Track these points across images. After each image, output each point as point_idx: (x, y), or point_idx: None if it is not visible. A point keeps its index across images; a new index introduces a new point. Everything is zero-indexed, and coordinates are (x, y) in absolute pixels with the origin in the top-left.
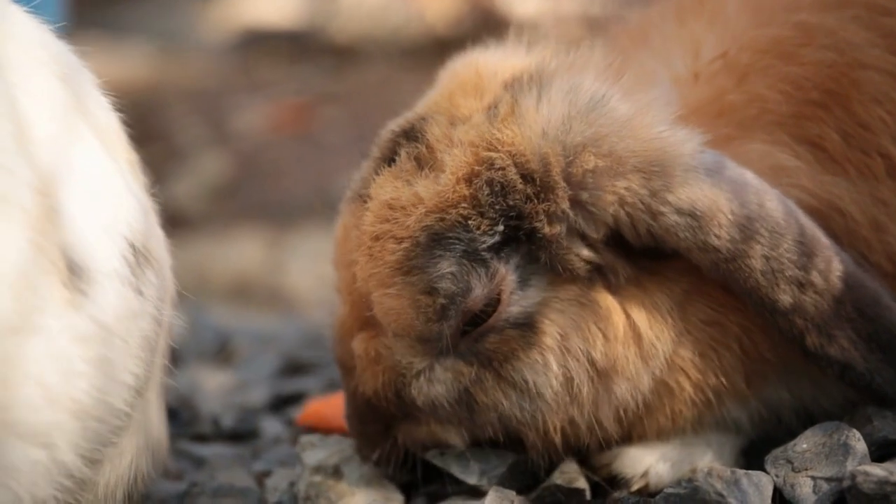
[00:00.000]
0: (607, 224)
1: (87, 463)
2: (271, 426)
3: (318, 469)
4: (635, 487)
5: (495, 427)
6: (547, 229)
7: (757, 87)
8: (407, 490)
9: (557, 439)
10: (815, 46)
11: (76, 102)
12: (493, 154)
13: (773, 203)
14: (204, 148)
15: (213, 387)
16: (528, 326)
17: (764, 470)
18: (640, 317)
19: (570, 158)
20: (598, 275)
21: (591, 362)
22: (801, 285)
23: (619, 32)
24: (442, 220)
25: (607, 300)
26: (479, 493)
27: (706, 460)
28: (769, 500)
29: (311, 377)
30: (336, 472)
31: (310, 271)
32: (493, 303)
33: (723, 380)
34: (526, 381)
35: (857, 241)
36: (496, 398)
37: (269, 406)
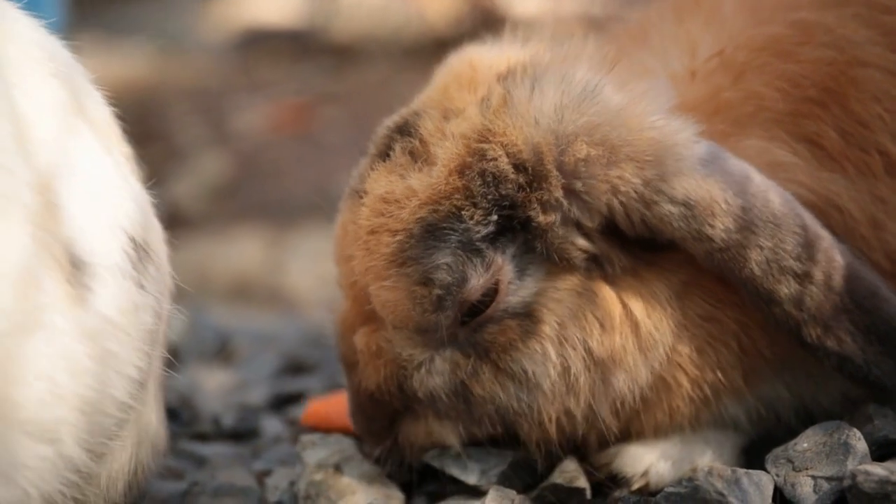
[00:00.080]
0: (601, 213)
1: (92, 457)
2: (272, 425)
3: (318, 468)
4: (636, 486)
5: (493, 420)
6: (541, 218)
7: (753, 84)
8: (408, 489)
9: (553, 430)
10: (813, 44)
11: (73, 99)
12: (485, 145)
13: (769, 193)
14: (204, 148)
15: (214, 386)
16: (526, 316)
17: (764, 469)
18: (638, 307)
19: (563, 147)
20: (595, 265)
21: (589, 352)
22: (799, 276)
23: (618, 32)
24: (435, 211)
25: (604, 290)
26: (479, 492)
27: (706, 459)
28: (770, 500)
29: (312, 377)
30: (336, 471)
31: (310, 271)
32: (491, 293)
33: (720, 376)
34: (525, 371)
35: (855, 238)
36: (493, 390)
37: (269, 405)
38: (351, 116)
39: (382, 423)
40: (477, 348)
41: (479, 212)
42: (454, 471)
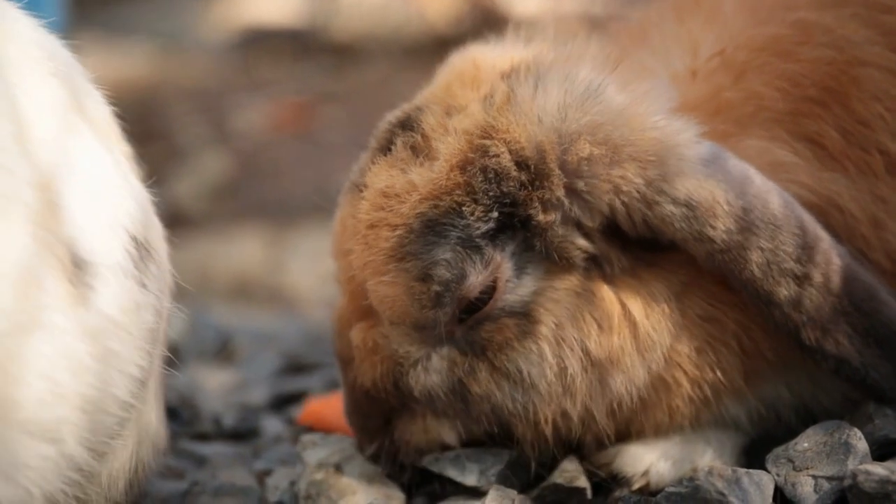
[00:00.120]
0: (603, 213)
1: (94, 456)
2: (272, 425)
3: (319, 468)
4: (636, 486)
5: (489, 418)
6: (542, 217)
7: (754, 84)
8: (408, 489)
9: (548, 431)
10: (813, 44)
11: (72, 99)
12: (488, 141)
13: (770, 195)
14: (204, 147)
15: (214, 386)
16: (523, 315)
17: (765, 469)
18: (637, 307)
19: (566, 146)
20: (595, 265)
21: (586, 352)
22: (798, 279)
23: (619, 31)
24: (436, 206)
25: (603, 290)
26: (479, 492)
27: (707, 459)
28: (770, 499)
29: (312, 376)
30: (337, 471)
31: (310, 270)
32: (490, 290)
33: (720, 376)
34: (520, 371)
35: (855, 238)
36: (489, 389)
37: (269, 405)
38: (351, 116)
39: (377, 421)
40: (474, 346)
41: (480, 208)
42: (452, 473)
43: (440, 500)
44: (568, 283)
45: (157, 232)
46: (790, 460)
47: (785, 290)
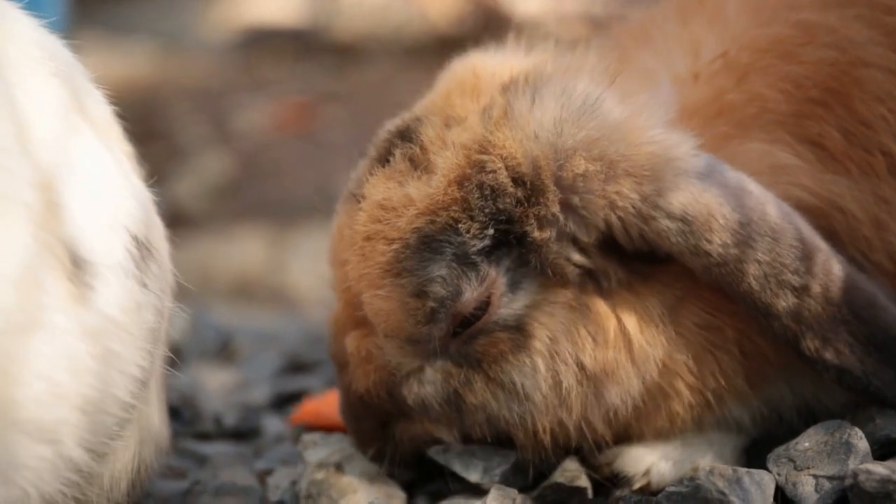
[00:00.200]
0: (599, 228)
1: (94, 457)
2: (273, 425)
3: (319, 467)
4: (637, 486)
5: (484, 428)
6: (537, 233)
7: (756, 86)
8: (409, 488)
9: (547, 440)
10: (816, 45)
11: (73, 99)
12: (485, 157)
13: (767, 206)
14: (206, 147)
15: (215, 385)
16: (517, 329)
17: (766, 468)
18: (631, 321)
19: (561, 162)
20: (590, 279)
21: (581, 366)
22: (797, 290)
23: (621, 32)
24: (433, 222)
25: (598, 305)
26: (480, 491)
27: (708, 459)
28: (771, 499)
29: (313, 376)
30: (338, 470)
31: (311, 270)
32: (484, 305)
33: (722, 382)
34: (514, 384)
35: (857, 239)
36: (485, 399)
37: (270, 404)
38: (353, 115)
39: (372, 425)
40: (468, 359)
41: (476, 225)
42: (458, 468)
43: (441, 499)
44: (563, 298)
45: (158, 231)
46: (791, 460)
47: (783, 302)
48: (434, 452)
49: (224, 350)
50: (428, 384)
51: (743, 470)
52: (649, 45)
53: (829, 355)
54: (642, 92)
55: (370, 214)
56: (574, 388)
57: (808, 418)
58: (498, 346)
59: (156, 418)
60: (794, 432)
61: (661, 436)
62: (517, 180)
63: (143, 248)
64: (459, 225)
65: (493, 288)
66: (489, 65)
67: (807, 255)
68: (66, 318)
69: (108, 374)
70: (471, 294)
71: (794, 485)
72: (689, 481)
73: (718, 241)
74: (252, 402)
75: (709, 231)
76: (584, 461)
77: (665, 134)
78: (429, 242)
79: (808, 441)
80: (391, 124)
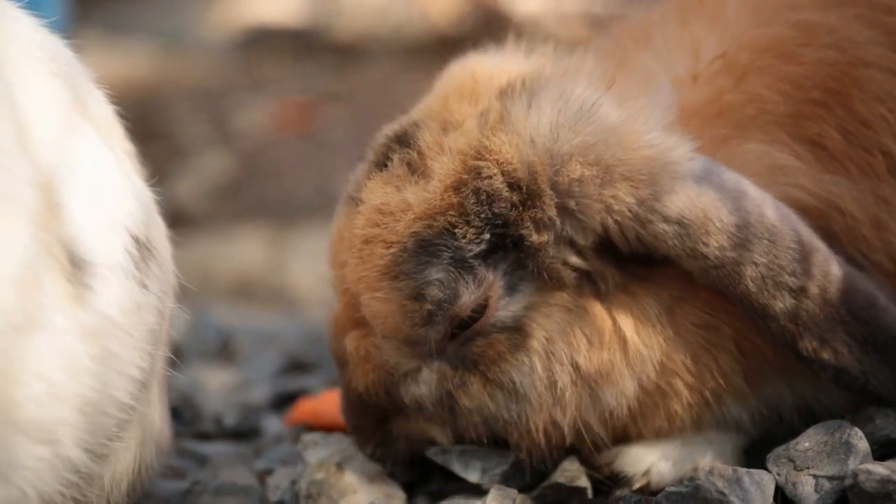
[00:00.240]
0: (595, 231)
1: (93, 458)
2: (273, 424)
3: (319, 467)
4: (637, 486)
5: (479, 429)
6: (534, 237)
7: (755, 86)
8: (409, 488)
9: (540, 439)
10: (816, 45)
11: (74, 99)
12: (481, 163)
13: (765, 208)
14: (206, 147)
15: (216, 385)
16: (515, 329)
17: (766, 468)
18: (628, 323)
19: (557, 167)
20: (587, 281)
21: (576, 367)
22: (794, 291)
23: (621, 32)
24: (430, 227)
25: (595, 307)
26: (480, 491)
27: (707, 459)
28: (771, 499)
29: (313, 375)
30: (338, 470)
31: (312, 270)
32: (481, 308)
33: (720, 380)
34: (513, 382)
35: (857, 239)
36: (482, 401)
37: (270, 404)
38: (353, 115)
39: (371, 422)
40: (465, 361)
41: (473, 230)
42: (457, 468)
43: (441, 499)
44: (559, 300)
45: (159, 231)
46: (791, 460)
47: (781, 304)
48: (433, 453)
49: (224, 350)
50: (423, 384)
51: (743, 470)
52: (649, 46)
53: (826, 355)
54: (642, 94)
55: (368, 218)
56: (568, 388)
57: (808, 418)
58: (495, 347)
59: (157, 419)
60: (793, 432)
61: (661, 436)
62: (513, 185)
63: (143, 249)
64: (456, 230)
65: (490, 291)
66: (487, 68)
67: (804, 257)
68: (64, 319)
69: (106, 375)
70: (468, 297)
71: (794, 485)
72: (688, 481)
73: (715, 244)
74: (252, 402)
75: (705, 234)
76: (584, 461)
77: (662, 137)
78: (426, 246)
79: (807, 441)
80: (389, 129)
